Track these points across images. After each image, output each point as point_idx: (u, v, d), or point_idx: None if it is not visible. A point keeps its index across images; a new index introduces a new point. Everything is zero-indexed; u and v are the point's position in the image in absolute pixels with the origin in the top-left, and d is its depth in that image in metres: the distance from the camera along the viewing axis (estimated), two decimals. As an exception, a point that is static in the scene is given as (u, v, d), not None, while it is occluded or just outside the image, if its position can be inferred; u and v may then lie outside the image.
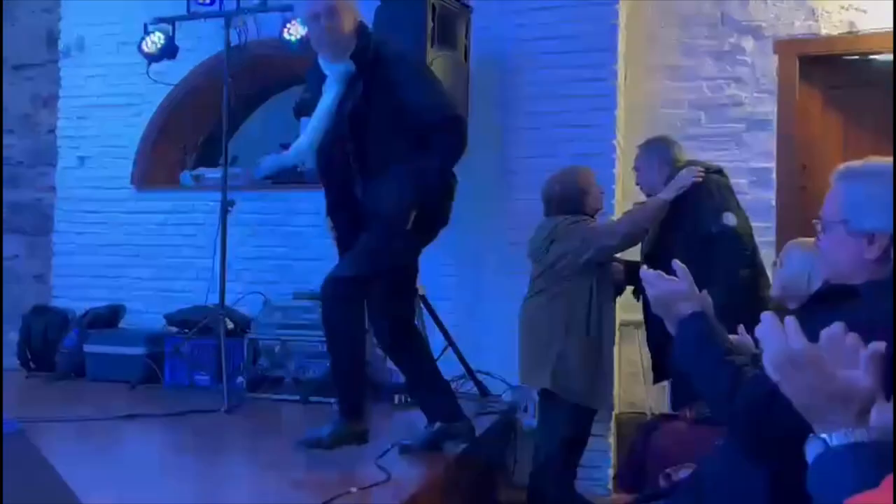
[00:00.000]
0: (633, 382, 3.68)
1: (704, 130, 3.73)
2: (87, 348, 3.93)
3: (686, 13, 3.77)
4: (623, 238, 2.83)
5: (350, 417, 2.47)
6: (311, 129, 2.51)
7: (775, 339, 0.91)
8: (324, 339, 3.43)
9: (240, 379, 3.54)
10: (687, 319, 1.28)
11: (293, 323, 3.56)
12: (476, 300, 3.84)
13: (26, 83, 4.77)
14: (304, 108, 4.51)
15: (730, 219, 2.67)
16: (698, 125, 3.74)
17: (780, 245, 2.74)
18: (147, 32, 3.77)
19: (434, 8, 3.19)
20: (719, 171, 2.88)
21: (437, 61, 3.19)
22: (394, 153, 2.45)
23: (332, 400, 3.30)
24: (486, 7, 3.70)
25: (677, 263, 1.35)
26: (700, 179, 2.75)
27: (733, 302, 2.21)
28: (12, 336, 4.29)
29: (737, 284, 2.60)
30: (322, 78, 2.55)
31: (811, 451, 0.90)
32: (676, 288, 1.31)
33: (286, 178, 4.31)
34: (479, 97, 3.64)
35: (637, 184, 3.08)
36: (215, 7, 3.61)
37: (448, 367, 3.60)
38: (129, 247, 4.41)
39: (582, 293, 2.82)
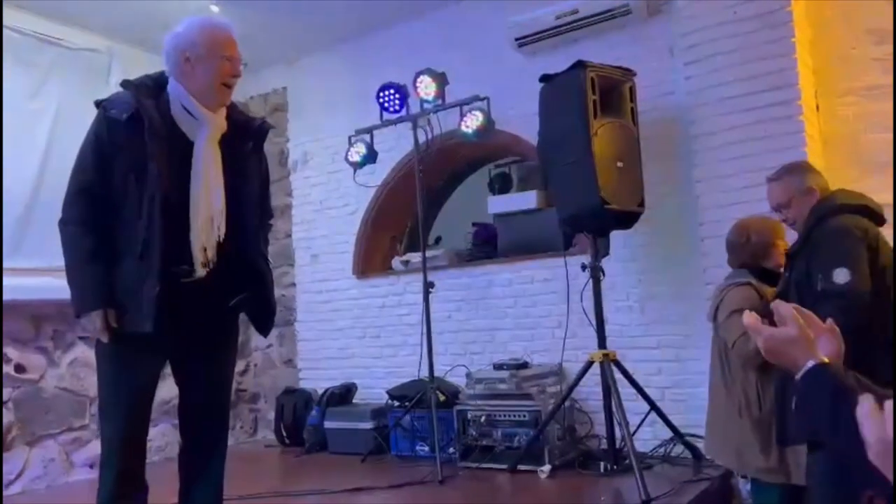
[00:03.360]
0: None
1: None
2: (327, 424, 4.44)
3: (879, 27, 3.44)
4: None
5: None
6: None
7: (874, 428, 0.88)
8: (524, 407, 3.60)
9: (452, 449, 3.77)
10: (805, 375, 1.10)
11: (494, 393, 3.73)
12: (678, 357, 3.72)
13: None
14: (498, 184, 4.85)
15: (841, 275, 2.16)
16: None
17: None
18: (351, 144, 4.33)
19: (594, 80, 3.28)
20: (861, 210, 2.31)
21: (602, 129, 3.27)
22: (252, 232, 2.22)
23: (540, 468, 3.42)
24: (651, 66, 3.72)
25: (781, 305, 1.16)
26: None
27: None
28: (270, 415, 5.01)
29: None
30: (153, 121, 2.03)
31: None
32: (783, 334, 1.13)
33: (483, 254, 4.62)
34: (656, 154, 3.63)
35: (784, 220, 2.59)
36: (403, 113, 4.06)
37: (655, 432, 3.55)
38: (355, 329, 4.96)
39: (748, 373, 2.61)
